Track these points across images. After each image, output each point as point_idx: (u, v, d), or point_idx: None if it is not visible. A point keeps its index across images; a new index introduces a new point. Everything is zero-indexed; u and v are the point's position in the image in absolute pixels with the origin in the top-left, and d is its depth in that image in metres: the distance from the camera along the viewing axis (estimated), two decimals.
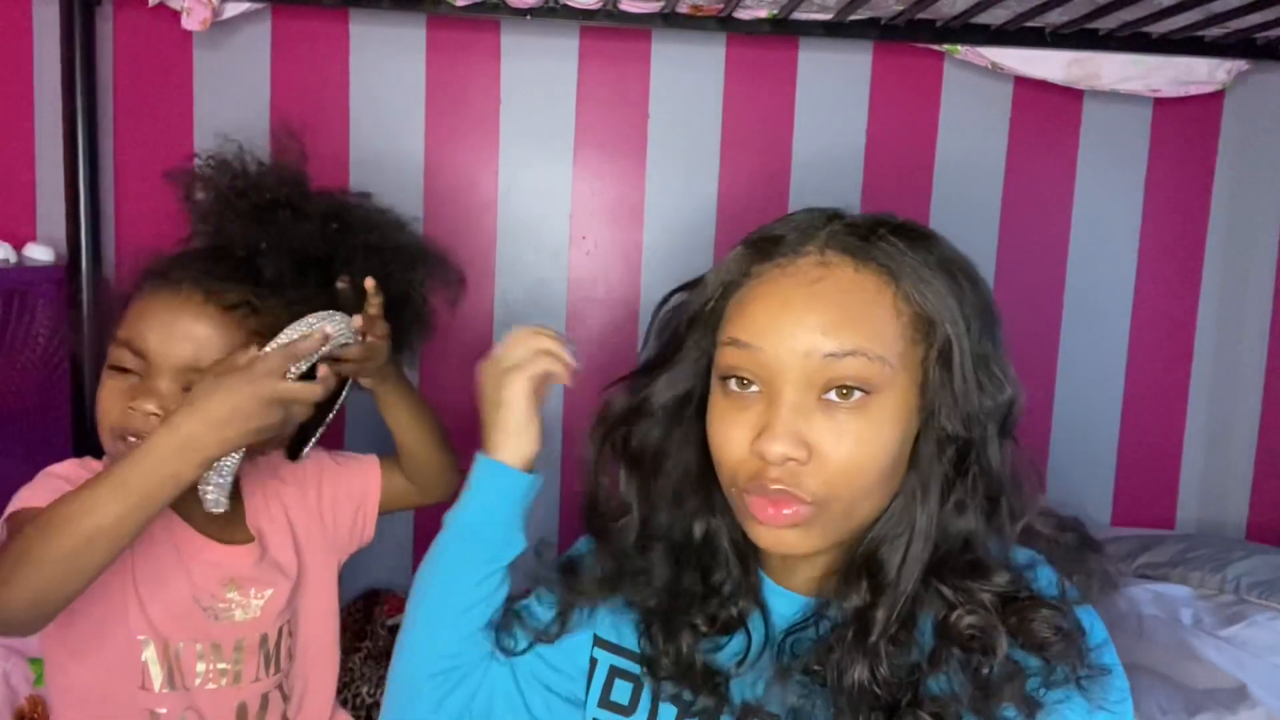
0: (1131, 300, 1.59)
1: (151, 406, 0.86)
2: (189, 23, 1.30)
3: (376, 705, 1.17)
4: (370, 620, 1.39)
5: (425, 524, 1.53)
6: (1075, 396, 1.59)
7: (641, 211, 1.51)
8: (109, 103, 1.40)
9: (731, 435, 0.66)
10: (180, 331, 0.87)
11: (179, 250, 0.96)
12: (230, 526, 0.96)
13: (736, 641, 0.72)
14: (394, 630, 1.37)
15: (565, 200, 1.50)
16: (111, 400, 0.88)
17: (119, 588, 0.89)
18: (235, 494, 0.99)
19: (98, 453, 1.04)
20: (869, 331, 0.63)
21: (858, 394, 0.63)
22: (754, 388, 0.66)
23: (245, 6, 1.36)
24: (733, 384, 0.67)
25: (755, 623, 0.72)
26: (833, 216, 0.69)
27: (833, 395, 0.63)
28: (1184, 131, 1.55)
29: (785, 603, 0.73)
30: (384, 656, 1.29)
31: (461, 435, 1.52)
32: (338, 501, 1.04)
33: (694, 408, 0.72)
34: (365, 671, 1.22)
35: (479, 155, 1.48)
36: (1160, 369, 1.61)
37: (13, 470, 1.24)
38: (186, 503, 0.91)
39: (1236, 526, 1.64)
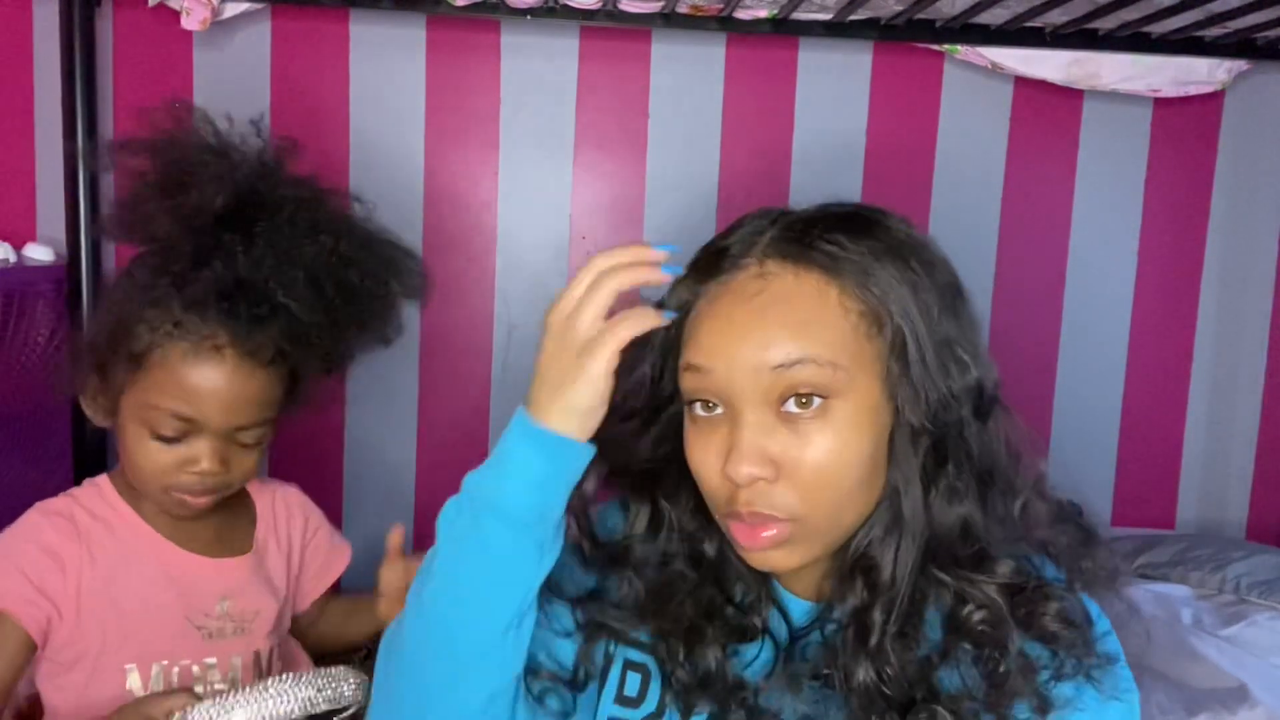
0: (1131, 300, 1.59)
1: (209, 464, 0.86)
2: (189, 23, 1.30)
3: None
4: None
5: (425, 524, 1.52)
6: (1075, 396, 1.59)
7: (641, 211, 1.51)
8: (109, 103, 1.40)
9: (705, 460, 0.65)
10: (233, 398, 0.85)
11: (175, 278, 0.85)
12: (227, 535, 0.96)
13: (756, 649, 0.70)
14: None
15: (565, 200, 1.50)
16: (159, 464, 0.86)
17: (96, 626, 0.89)
18: (245, 501, 0.99)
19: (97, 457, 1.03)
20: (815, 336, 0.62)
21: (817, 401, 0.62)
22: (719, 409, 0.65)
23: (245, 6, 1.36)
24: (699, 408, 0.66)
25: (778, 628, 0.71)
26: (778, 217, 0.67)
27: (792, 406, 0.62)
28: (1184, 131, 1.55)
29: (795, 608, 0.72)
30: None
31: (462, 435, 1.53)
32: (306, 567, 1.04)
33: (677, 426, 0.70)
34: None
35: (479, 155, 1.48)
36: (1160, 369, 1.61)
37: (12, 471, 1.24)
38: (171, 524, 0.92)
39: (1236, 526, 1.64)
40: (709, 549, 0.72)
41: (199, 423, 0.85)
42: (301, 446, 1.48)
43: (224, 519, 0.96)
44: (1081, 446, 1.60)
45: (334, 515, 1.51)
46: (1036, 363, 1.59)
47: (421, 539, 1.52)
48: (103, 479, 0.94)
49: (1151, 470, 1.62)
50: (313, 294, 0.87)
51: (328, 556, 1.05)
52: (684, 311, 0.67)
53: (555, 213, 1.50)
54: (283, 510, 1.01)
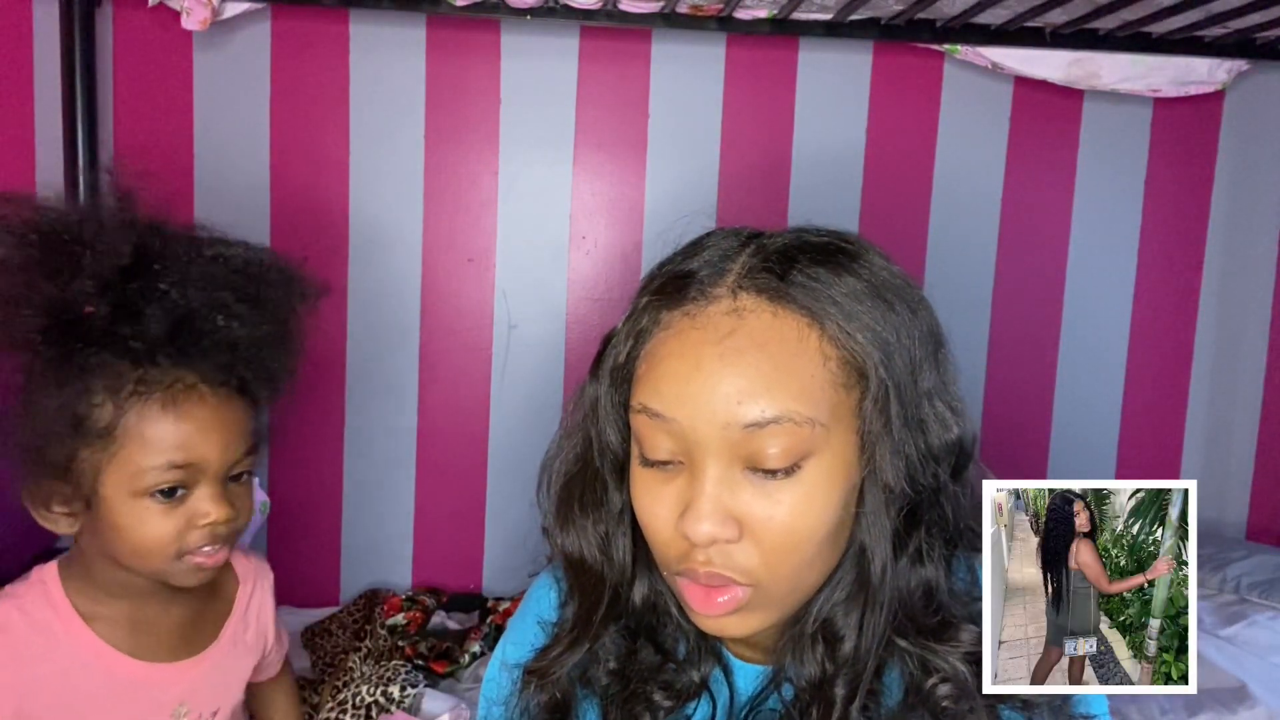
0: (1131, 300, 1.59)
1: (216, 513, 0.81)
2: (189, 23, 1.31)
3: (376, 704, 1.17)
4: (370, 620, 1.39)
5: (424, 523, 1.53)
6: (1075, 396, 1.59)
7: (641, 211, 1.51)
8: (109, 103, 1.40)
9: (656, 512, 0.58)
10: (223, 429, 0.81)
11: (106, 345, 0.78)
12: (192, 632, 0.91)
13: (702, 709, 0.65)
14: (394, 630, 1.38)
15: (565, 200, 1.50)
16: (165, 533, 0.81)
17: None
18: (225, 579, 0.94)
19: None
20: (794, 389, 0.55)
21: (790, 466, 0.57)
22: (674, 463, 0.59)
23: (245, 6, 1.37)
24: (650, 455, 0.59)
25: (719, 686, 0.66)
26: (748, 240, 0.60)
27: (762, 467, 0.56)
28: (1184, 131, 1.56)
29: (743, 670, 0.67)
30: (384, 656, 1.29)
31: (462, 434, 1.53)
32: (272, 651, 1.00)
33: (618, 463, 0.65)
34: (365, 671, 1.22)
35: (479, 155, 1.48)
36: (1160, 369, 1.61)
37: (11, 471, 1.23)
38: (125, 632, 0.87)
39: (1236, 526, 1.64)
40: (638, 596, 0.66)
41: (197, 467, 0.81)
42: (302, 447, 1.49)
43: (195, 609, 0.90)
44: (1082, 446, 1.60)
45: (334, 516, 1.51)
46: (1036, 362, 1.59)
47: (420, 539, 1.53)
48: (51, 575, 0.86)
49: (1151, 470, 1.62)
50: (246, 310, 0.83)
51: (281, 642, 1.01)
52: (638, 341, 0.60)
53: (555, 213, 1.50)
54: (258, 596, 0.96)
